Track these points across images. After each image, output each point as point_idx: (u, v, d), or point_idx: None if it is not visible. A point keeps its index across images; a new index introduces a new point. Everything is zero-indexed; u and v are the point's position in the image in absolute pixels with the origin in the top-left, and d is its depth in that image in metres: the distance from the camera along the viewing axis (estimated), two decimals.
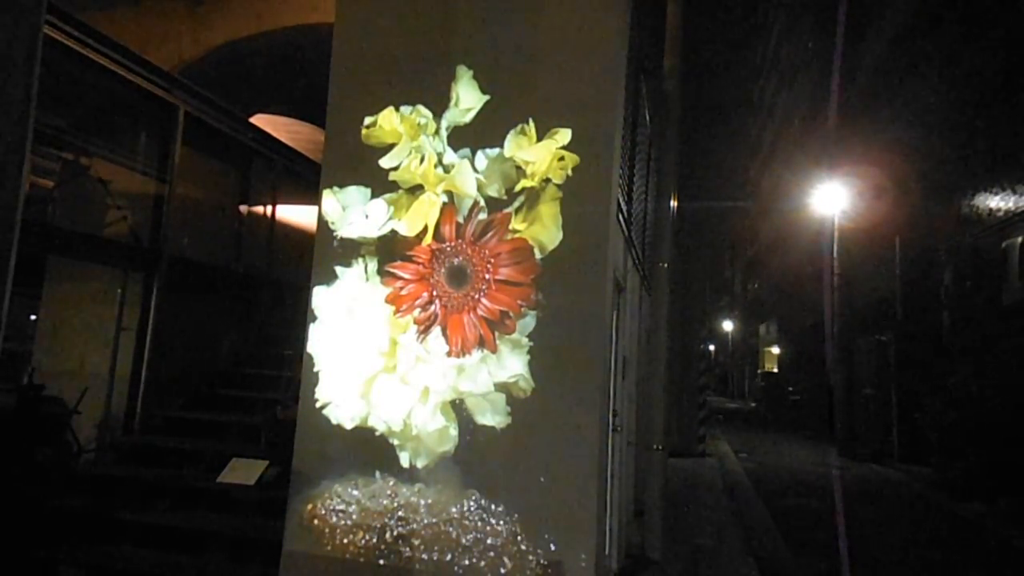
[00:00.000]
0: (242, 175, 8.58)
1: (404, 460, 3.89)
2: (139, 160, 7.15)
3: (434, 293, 3.98)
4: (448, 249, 4.00)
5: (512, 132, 3.96)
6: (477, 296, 3.90)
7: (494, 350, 3.84)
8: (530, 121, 3.94)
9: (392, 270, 4.05)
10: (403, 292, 4.01)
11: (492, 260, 3.91)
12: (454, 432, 3.85)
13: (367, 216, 4.12)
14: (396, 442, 3.92)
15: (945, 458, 10.97)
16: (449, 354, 3.89)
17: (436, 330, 3.95)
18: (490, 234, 3.92)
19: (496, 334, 3.86)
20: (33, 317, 7.27)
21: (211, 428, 6.29)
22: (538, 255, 3.89)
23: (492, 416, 3.80)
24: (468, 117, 4.06)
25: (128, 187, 6.99)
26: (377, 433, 3.94)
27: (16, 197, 4.17)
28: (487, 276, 3.90)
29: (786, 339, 27.32)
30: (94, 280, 6.75)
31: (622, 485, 5.34)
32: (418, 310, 3.97)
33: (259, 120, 9.51)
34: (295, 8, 8.79)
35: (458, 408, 3.87)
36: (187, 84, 6.97)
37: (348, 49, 4.40)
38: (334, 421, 4.01)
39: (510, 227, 3.92)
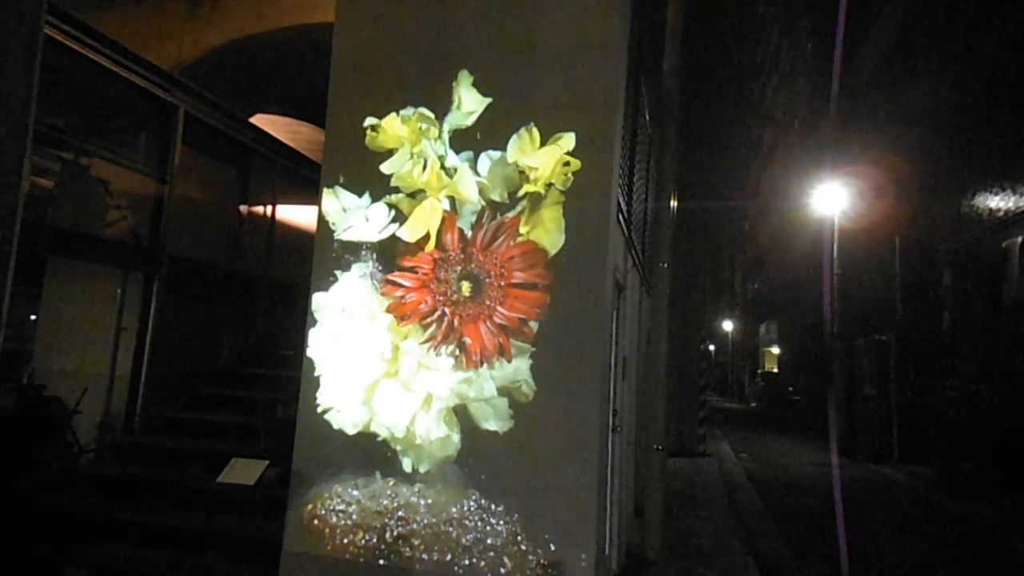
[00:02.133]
0: (242, 175, 8.58)
1: (407, 465, 3.89)
2: (139, 160, 7.14)
3: (439, 299, 3.95)
4: (452, 256, 3.97)
5: (515, 137, 3.95)
6: (492, 304, 3.86)
7: (511, 359, 3.81)
8: (532, 125, 3.93)
9: (393, 279, 4.02)
10: (405, 301, 3.98)
11: (505, 265, 3.87)
12: (456, 439, 3.84)
13: (368, 219, 4.10)
14: (398, 448, 3.91)
15: (945, 458, 10.97)
16: (468, 366, 3.85)
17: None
18: (501, 238, 3.89)
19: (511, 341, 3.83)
20: (33, 317, 7.27)
21: (211, 428, 6.29)
22: None
23: (495, 421, 3.80)
24: (470, 120, 4.05)
25: (128, 187, 6.99)
26: (379, 439, 3.94)
27: (16, 197, 4.17)
28: (501, 283, 3.85)
29: (786, 339, 27.33)
30: (94, 280, 6.75)
31: (622, 485, 5.34)
32: (433, 327, 3.91)
33: (259, 120, 9.50)
34: (295, 8, 8.79)
35: (460, 413, 3.86)
36: (187, 84, 6.97)
37: (348, 50, 4.39)
38: (335, 426, 4.00)
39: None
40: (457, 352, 3.87)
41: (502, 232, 3.89)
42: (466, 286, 3.90)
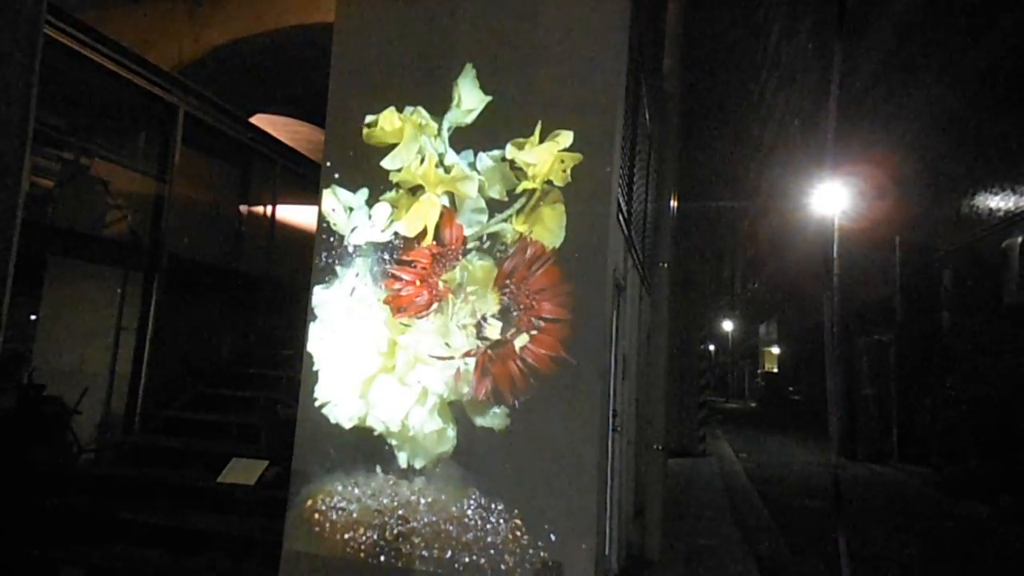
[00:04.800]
0: (242, 175, 8.57)
1: (402, 460, 3.90)
2: (139, 160, 7.14)
3: (436, 294, 3.96)
4: (450, 252, 3.97)
5: (514, 135, 3.95)
6: (523, 342, 3.79)
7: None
8: (536, 124, 3.93)
9: (392, 272, 4.04)
10: (402, 293, 4.01)
11: (535, 297, 3.82)
12: (452, 433, 3.85)
13: (370, 218, 4.12)
14: (394, 442, 3.92)
15: (945, 458, 10.97)
16: (499, 404, 3.81)
17: (435, 324, 3.94)
18: (535, 268, 3.81)
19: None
20: (33, 317, 7.27)
21: (211, 428, 6.28)
22: None
23: (491, 418, 3.80)
24: (470, 118, 4.06)
25: (128, 187, 6.99)
26: (375, 433, 3.95)
27: (16, 197, 4.17)
28: (532, 318, 3.79)
29: (786, 339, 27.33)
30: (94, 280, 6.75)
31: (622, 485, 5.34)
32: (475, 381, 3.84)
33: (259, 120, 9.50)
34: (295, 8, 8.78)
35: (457, 409, 3.87)
36: (187, 84, 6.97)
37: (348, 50, 4.40)
38: (333, 420, 4.02)
39: (513, 228, 3.92)
40: (494, 394, 3.81)
41: (538, 264, 3.81)
42: (500, 328, 3.80)
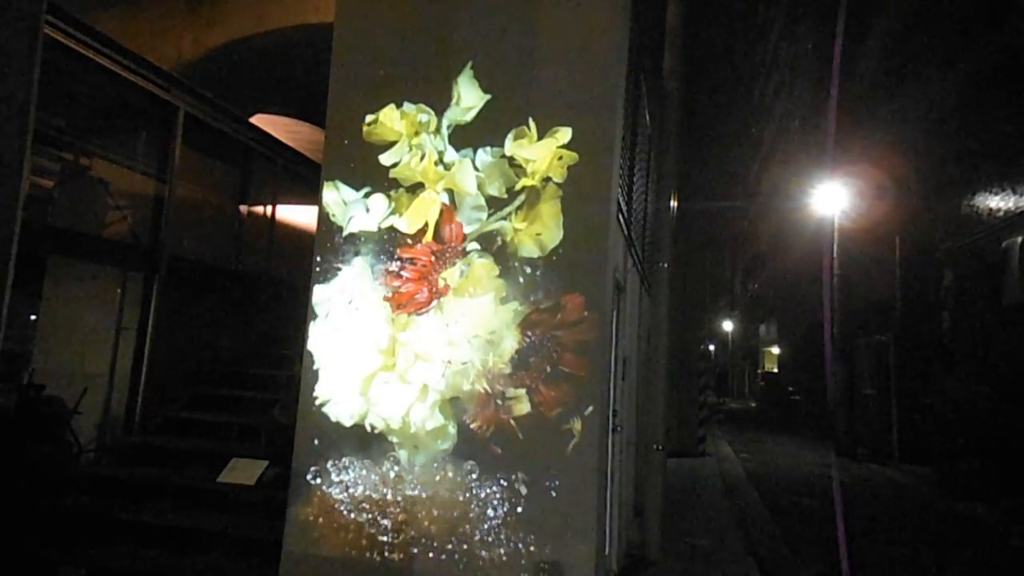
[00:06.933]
0: (242, 175, 8.57)
1: (403, 458, 3.90)
2: (139, 160, 7.14)
3: (436, 293, 3.97)
4: (450, 249, 3.97)
5: (513, 130, 3.96)
6: (535, 385, 3.78)
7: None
8: (531, 119, 3.94)
9: (392, 270, 4.05)
10: (402, 291, 4.01)
11: (559, 349, 3.80)
12: (452, 430, 3.85)
13: (368, 210, 4.12)
14: (395, 440, 3.92)
15: (945, 458, 10.98)
16: (499, 433, 3.81)
17: (433, 319, 3.95)
18: (568, 326, 3.80)
19: None
20: (33, 317, 7.26)
21: (211, 428, 6.29)
22: (538, 253, 3.89)
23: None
24: (469, 116, 4.07)
25: (128, 187, 6.99)
26: (376, 431, 3.95)
27: (16, 197, 4.18)
28: (547, 367, 3.78)
29: (786, 339, 27.33)
30: (94, 280, 6.75)
31: (622, 485, 5.34)
32: (475, 416, 3.84)
33: (259, 120, 9.50)
34: (295, 8, 8.78)
35: (457, 406, 3.87)
36: (187, 84, 6.97)
37: (348, 49, 4.40)
38: (333, 418, 4.02)
39: (512, 226, 3.92)
40: (494, 427, 3.83)
41: (569, 324, 3.78)
42: (523, 396, 3.78)
